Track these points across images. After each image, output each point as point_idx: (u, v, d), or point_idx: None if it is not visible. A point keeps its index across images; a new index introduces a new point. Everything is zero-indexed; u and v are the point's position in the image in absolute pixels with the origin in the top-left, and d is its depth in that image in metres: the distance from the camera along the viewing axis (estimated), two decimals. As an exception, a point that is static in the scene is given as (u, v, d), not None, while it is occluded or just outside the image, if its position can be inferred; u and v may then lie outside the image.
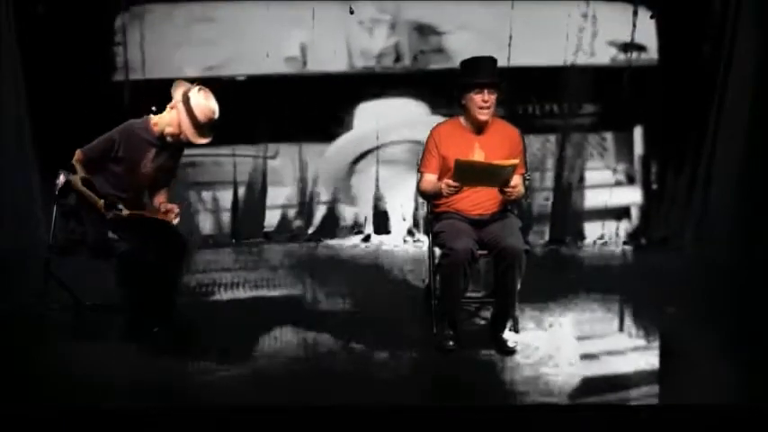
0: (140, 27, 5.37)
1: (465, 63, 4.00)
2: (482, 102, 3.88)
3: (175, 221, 3.83)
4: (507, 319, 3.97)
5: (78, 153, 3.78)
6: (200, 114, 3.68)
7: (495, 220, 3.94)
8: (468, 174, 3.73)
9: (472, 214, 3.94)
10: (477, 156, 3.89)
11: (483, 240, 3.88)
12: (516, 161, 3.81)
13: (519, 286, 3.81)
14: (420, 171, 4.09)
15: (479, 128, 3.96)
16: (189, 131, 3.68)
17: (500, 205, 3.98)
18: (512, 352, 3.86)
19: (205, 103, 3.69)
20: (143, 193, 3.98)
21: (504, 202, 3.93)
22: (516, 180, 3.83)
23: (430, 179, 4.01)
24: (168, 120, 3.73)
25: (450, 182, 3.76)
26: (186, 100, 3.68)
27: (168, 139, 3.75)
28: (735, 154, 5.21)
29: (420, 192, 4.17)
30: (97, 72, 5.20)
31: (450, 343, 3.89)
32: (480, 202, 3.94)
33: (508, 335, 3.93)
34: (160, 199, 3.96)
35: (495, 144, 3.95)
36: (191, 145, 3.81)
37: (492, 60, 3.99)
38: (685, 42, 5.28)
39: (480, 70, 3.92)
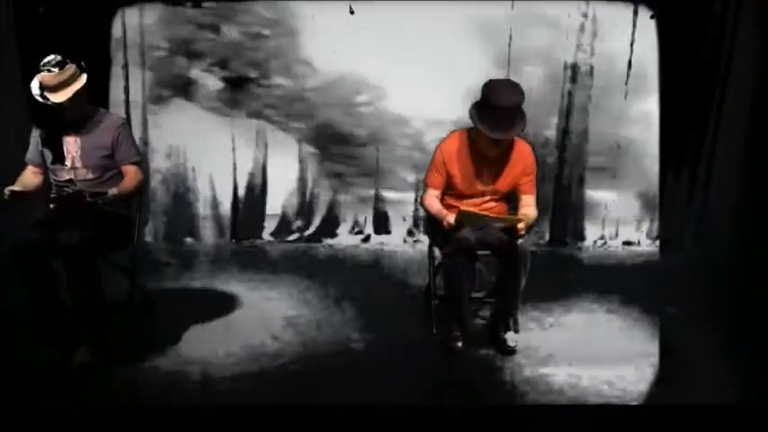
0: (140, 27, 5.37)
1: (486, 94, 3.72)
2: (492, 144, 3.74)
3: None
4: (509, 320, 3.97)
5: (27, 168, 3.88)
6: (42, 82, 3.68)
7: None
8: (473, 221, 3.71)
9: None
10: (486, 179, 3.85)
11: (488, 240, 3.85)
12: (522, 218, 3.75)
13: (523, 287, 3.81)
14: (425, 184, 4.01)
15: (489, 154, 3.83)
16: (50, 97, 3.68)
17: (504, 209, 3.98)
18: (512, 352, 3.86)
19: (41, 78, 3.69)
20: (94, 179, 3.83)
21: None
22: (522, 225, 3.69)
23: (434, 199, 3.93)
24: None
25: (453, 222, 3.72)
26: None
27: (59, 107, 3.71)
28: (735, 154, 5.21)
29: (422, 206, 4.06)
30: (97, 72, 5.20)
31: (459, 344, 3.90)
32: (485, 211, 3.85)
33: (508, 335, 3.93)
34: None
35: (506, 164, 3.86)
36: (79, 111, 3.78)
37: (515, 103, 3.69)
38: (685, 42, 5.27)
39: (498, 116, 3.65)
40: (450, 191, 3.94)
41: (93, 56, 5.11)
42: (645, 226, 5.66)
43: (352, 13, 5.34)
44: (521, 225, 3.69)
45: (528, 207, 3.93)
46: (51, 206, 3.69)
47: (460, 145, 3.88)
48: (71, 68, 3.72)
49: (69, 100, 3.70)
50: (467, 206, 3.78)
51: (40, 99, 3.70)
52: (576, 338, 4.06)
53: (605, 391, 3.51)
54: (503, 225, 3.73)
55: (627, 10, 5.33)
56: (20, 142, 4.08)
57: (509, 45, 5.36)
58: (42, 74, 3.67)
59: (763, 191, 4.95)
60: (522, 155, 3.90)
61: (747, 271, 4.74)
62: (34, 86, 3.72)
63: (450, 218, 3.75)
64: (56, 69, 3.67)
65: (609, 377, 3.61)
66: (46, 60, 3.70)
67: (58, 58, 3.70)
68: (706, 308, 4.39)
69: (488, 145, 3.77)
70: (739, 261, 4.87)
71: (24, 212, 4.05)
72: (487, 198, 3.92)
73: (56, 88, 3.68)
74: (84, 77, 3.77)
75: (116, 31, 5.35)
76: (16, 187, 3.66)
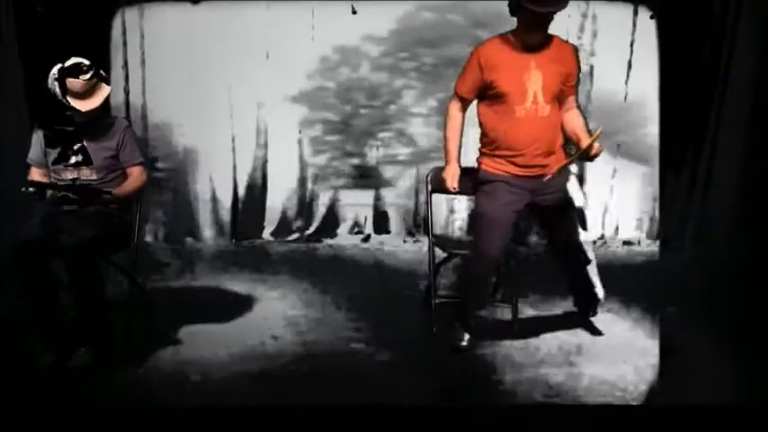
0: (140, 27, 5.38)
1: None
2: (535, 29, 3.51)
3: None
4: (590, 303, 4.08)
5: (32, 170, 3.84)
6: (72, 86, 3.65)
7: (554, 197, 3.71)
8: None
9: (526, 174, 3.65)
10: (534, 77, 3.56)
11: (538, 223, 3.86)
12: (598, 132, 3.51)
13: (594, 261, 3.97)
14: (454, 92, 3.72)
15: (533, 44, 3.57)
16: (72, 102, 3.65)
17: (557, 161, 3.67)
18: (600, 333, 4.01)
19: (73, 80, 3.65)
20: (98, 180, 3.81)
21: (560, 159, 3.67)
22: (597, 146, 3.51)
23: (457, 118, 3.71)
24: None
25: (453, 186, 3.68)
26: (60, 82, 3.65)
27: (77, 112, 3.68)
28: (735, 154, 5.21)
29: (444, 117, 3.79)
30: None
31: (464, 343, 3.88)
32: (534, 163, 3.63)
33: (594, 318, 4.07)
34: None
35: (551, 61, 3.59)
36: (98, 119, 3.75)
37: None
38: (685, 42, 5.28)
39: None
40: (496, 103, 3.61)
41: (93, 56, 5.14)
42: (645, 226, 5.66)
43: (354, 12, 5.35)
44: (597, 146, 3.49)
45: (574, 111, 3.72)
46: (31, 190, 3.61)
47: (500, 47, 3.60)
48: (97, 76, 3.71)
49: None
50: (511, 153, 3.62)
51: (65, 102, 3.65)
52: (576, 338, 4.05)
53: (605, 391, 3.51)
54: (583, 158, 3.58)
55: (627, 10, 5.34)
56: (20, 142, 4.07)
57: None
58: (71, 79, 3.63)
59: (763, 191, 4.95)
60: (568, 53, 3.67)
61: (747, 271, 4.73)
62: (55, 88, 3.66)
63: (452, 177, 3.69)
64: (87, 76, 3.64)
65: (609, 377, 3.61)
66: (74, 65, 3.65)
67: (86, 63, 3.67)
68: (706, 308, 4.38)
69: (531, 30, 3.53)
70: (739, 261, 4.86)
71: (24, 213, 4.06)
72: (541, 102, 3.58)
73: (83, 95, 3.66)
74: (106, 85, 3.75)
75: (116, 31, 5.36)
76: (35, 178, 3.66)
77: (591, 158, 3.57)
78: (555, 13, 3.50)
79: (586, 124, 3.72)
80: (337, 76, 5.57)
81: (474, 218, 3.87)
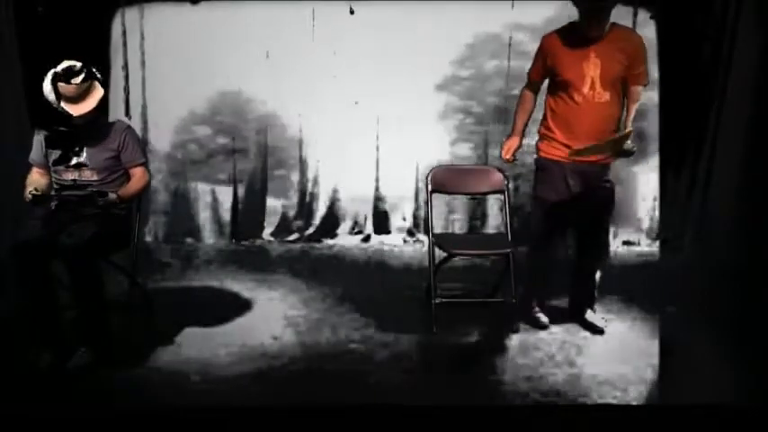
0: (140, 27, 5.38)
1: None
2: (594, 21, 3.68)
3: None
4: (592, 301, 4.14)
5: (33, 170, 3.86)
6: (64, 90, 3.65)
7: (605, 189, 3.94)
8: (587, 152, 3.74)
9: (581, 159, 3.84)
10: (593, 64, 3.74)
11: (580, 213, 3.90)
12: (629, 130, 3.73)
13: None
14: (527, 75, 4.03)
15: (591, 34, 3.75)
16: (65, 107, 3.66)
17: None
18: (602, 331, 4.04)
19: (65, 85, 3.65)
20: (99, 180, 3.82)
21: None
22: (630, 144, 3.74)
23: (528, 99, 4.01)
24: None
25: (505, 156, 3.96)
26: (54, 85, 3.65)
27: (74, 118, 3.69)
28: (735, 154, 5.20)
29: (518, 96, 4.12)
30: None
31: (546, 319, 4.09)
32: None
33: (592, 316, 4.10)
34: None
35: (612, 49, 3.75)
36: (94, 124, 3.75)
37: None
38: (685, 42, 5.27)
39: None
40: (558, 89, 3.84)
41: (93, 56, 5.14)
42: (645, 226, 5.66)
43: (352, 13, 5.35)
44: (629, 143, 3.73)
45: (636, 105, 3.87)
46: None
47: (564, 34, 3.83)
48: (89, 78, 3.70)
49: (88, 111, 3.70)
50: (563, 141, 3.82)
51: (58, 108, 3.66)
52: (576, 338, 4.06)
53: (605, 391, 3.51)
54: (612, 150, 3.76)
55: (627, 10, 5.33)
56: (20, 142, 4.07)
57: (509, 45, 5.35)
58: (62, 84, 3.63)
59: (763, 191, 4.94)
60: (631, 42, 3.80)
61: (747, 271, 4.73)
62: (49, 94, 3.66)
63: (508, 148, 3.96)
64: (78, 80, 3.64)
65: (609, 377, 3.61)
66: (65, 69, 3.64)
67: (77, 66, 3.66)
68: (706, 308, 4.38)
69: (589, 21, 3.70)
70: (739, 261, 4.86)
71: (24, 213, 4.06)
72: (598, 88, 3.78)
73: (76, 99, 3.67)
74: (100, 87, 3.75)
75: (116, 31, 5.36)
76: (37, 191, 3.65)
77: (621, 154, 3.79)
78: (606, 6, 3.65)
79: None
80: (481, 64, 5.51)
81: (533, 204, 4.03)
